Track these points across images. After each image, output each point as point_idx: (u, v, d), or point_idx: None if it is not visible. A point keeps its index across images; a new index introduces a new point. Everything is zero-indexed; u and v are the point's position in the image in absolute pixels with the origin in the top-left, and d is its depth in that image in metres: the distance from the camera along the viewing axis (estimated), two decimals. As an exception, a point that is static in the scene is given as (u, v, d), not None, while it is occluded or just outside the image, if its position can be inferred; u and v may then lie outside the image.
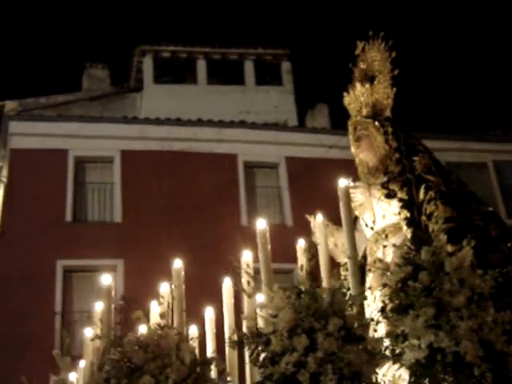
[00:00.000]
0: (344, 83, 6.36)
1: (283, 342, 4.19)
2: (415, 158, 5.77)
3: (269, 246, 4.73)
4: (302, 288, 4.38)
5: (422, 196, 5.56)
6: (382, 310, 4.58)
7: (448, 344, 4.28)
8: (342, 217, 4.90)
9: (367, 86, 6.26)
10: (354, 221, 6.07)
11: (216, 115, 22.43)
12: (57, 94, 22.94)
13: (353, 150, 6.30)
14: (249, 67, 24.91)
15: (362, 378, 4.16)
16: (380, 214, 5.80)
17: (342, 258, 5.71)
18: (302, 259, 5.03)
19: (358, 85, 6.30)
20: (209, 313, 5.12)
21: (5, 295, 19.09)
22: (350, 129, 6.32)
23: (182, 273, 4.71)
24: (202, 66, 24.44)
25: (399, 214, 5.68)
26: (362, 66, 6.42)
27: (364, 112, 6.25)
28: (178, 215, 20.90)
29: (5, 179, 22.03)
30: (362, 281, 5.25)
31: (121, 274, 19.69)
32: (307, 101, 25.14)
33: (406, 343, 4.39)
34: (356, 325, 4.34)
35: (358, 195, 5.91)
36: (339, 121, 23.23)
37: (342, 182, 4.95)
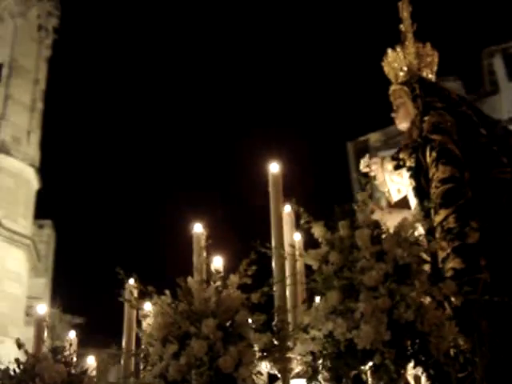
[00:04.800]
0: None
1: (160, 351, 4.04)
2: (425, 118, 5.07)
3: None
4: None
5: (428, 159, 4.88)
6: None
7: (341, 331, 3.75)
8: (271, 206, 4.53)
9: (398, 49, 5.65)
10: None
11: None
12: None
13: (397, 122, 5.73)
14: None
15: (237, 380, 3.83)
16: (395, 189, 5.18)
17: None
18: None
19: (389, 51, 5.72)
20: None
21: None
22: (392, 100, 5.75)
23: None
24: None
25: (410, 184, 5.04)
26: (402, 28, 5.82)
27: (401, 78, 5.65)
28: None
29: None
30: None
31: None
32: None
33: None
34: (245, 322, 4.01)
35: (377, 173, 5.34)
36: None
37: (274, 167, 4.57)
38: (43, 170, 26.84)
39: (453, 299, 4.00)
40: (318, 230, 4.18)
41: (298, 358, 4.00)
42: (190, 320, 3.99)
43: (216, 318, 3.94)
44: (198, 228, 4.62)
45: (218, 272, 4.23)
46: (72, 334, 4.80)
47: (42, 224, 28.87)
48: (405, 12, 5.68)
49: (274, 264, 4.35)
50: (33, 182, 26.13)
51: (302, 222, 4.37)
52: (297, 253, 4.28)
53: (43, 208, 27.53)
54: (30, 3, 26.93)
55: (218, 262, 4.62)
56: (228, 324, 3.98)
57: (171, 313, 4.04)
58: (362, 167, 5.41)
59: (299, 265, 4.53)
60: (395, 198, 5.18)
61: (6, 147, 25.17)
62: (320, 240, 4.13)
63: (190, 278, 4.19)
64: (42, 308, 4.65)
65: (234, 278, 4.15)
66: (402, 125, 5.53)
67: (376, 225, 4.04)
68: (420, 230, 4.38)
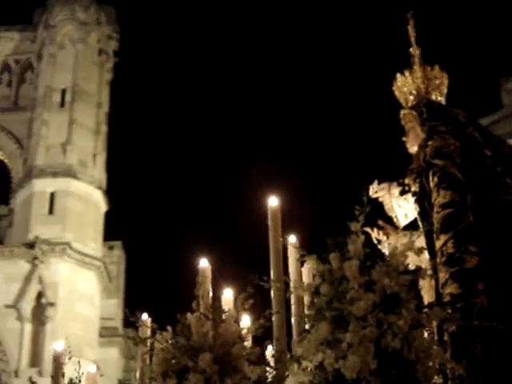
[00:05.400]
0: None
1: (163, 386, 4.17)
2: (429, 143, 5.11)
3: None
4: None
5: (431, 184, 4.93)
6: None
7: (330, 361, 3.83)
8: (270, 241, 4.60)
9: (406, 74, 5.68)
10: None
11: None
12: (478, 117, 22.53)
13: (408, 146, 5.77)
14: None
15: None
16: (402, 214, 5.22)
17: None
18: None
19: (398, 76, 5.76)
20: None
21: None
22: (403, 124, 5.79)
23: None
24: None
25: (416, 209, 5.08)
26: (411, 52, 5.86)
27: (410, 102, 5.69)
28: None
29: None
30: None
31: None
32: None
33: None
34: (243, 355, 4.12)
35: (385, 199, 5.39)
36: None
37: (273, 201, 4.64)
38: (110, 192, 27.32)
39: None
40: (310, 263, 4.27)
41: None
42: (187, 354, 4.11)
43: (213, 351, 4.05)
44: (203, 263, 4.72)
45: (219, 307, 4.35)
46: (93, 369, 4.94)
47: (111, 245, 29.28)
48: (411, 37, 5.71)
49: (272, 295, 4.43)
50: (101, 204, 26.59)
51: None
52: (291, 285, 4.35)
53: (112, 229, 27.98)
54: (89, 28, 27.54)
55: (228, 295, 4.72)
56: (224, 357, 4.08)
57: (170, 348, 4.16)
58: (371, 193, 5.45)
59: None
60: (403, 222, 5.21)
61: (73, 171, 25.69)
62: (313, 272, 4.22)
63: (189, 314, 4.31)
64: (60, 345, 4.80)
65: (231, 312, 4.27)
66: (413, 148, 5.55)
67: (367, 255, 4.09)
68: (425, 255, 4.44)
